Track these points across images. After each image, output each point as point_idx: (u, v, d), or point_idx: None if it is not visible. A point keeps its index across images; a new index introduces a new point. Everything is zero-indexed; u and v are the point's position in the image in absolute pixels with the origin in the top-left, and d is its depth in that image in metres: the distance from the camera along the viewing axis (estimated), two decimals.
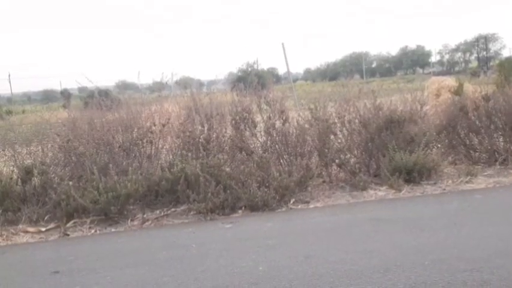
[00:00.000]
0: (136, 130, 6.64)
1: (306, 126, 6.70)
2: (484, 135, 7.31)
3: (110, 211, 5.63)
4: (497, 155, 7.26)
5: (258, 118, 7.00)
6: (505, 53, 58.46)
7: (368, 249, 4.20)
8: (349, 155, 6.77)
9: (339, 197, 6.16)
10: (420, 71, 67.20)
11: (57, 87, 50.37)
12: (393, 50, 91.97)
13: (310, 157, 6.56)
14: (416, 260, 3.85)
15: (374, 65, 72.78)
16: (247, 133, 6.86)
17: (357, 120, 6.79)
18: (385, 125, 6.68)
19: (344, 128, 6.78)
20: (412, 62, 68.99)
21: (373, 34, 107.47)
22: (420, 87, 7.70)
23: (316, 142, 6.61)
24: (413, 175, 6.35)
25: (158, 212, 5.86)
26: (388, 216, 5.31)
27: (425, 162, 6.39)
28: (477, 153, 7.40)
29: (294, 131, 6.68)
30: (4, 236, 5.44)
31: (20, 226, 5.64)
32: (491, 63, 54.23)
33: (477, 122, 7.36)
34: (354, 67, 66.18)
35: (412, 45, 69.93)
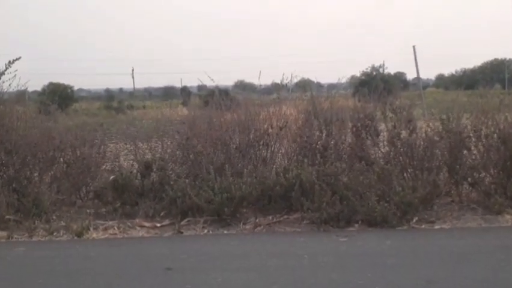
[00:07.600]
0: (253, 132, 6.58)
1: (436, 138, 6.20)
2: None
3: (224, 212, 5.60)
4: None
5: (381, 126, 6.65)
6: None
7: (498, 279, 3.90)
8: (484, 174, 6.16)
9: (470, 220, 5.68)
10: None
11: (178, 84, 52.36)
12: None
13: (439, 173, 6.04)
14: None
15: None
16: (369, 142, 6.53)
17: (495, 135, 6.14)
18: None
19: (480, 143, 6.18)
20: None
21: None
22: None
23: (447, 157, 6.10)
24: None
25: (270, 217, 5.73)
26: None
27: None
28: None
29: (422, 142, 6.20)
30: (121, 229, 5.63)
31: (137, 220, 5.80)
32: None
33: None
34: (495, 75, 60.60)
35: None
